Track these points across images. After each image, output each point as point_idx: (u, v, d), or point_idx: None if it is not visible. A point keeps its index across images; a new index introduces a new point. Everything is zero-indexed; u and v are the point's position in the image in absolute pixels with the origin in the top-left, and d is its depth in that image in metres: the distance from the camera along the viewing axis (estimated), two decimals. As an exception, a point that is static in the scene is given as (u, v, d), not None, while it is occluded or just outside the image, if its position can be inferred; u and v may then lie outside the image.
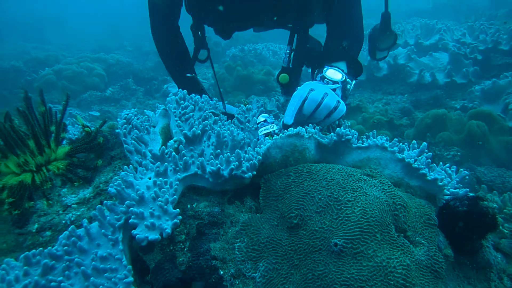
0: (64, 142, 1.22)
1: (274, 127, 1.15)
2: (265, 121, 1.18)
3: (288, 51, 1.71)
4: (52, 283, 0.81)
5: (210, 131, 1.10)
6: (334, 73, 1.32)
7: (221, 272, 0.89)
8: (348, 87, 1.36)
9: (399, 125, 3.82)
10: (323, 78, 1.31)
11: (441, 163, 1.09)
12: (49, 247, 0.85)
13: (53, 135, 1.15)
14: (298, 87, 1.20)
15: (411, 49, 4.80)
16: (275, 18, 1.77)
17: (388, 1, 1.78)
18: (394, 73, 4.69)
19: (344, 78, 1.32)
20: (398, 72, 4.64)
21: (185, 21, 1.94)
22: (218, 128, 1.04)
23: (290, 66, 1.67)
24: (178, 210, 0.90)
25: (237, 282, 0.88)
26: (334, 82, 1.29)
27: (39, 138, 1.08)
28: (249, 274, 0.88)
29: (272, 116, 1.22)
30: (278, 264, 0.87)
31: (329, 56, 1.44)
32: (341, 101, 1.19)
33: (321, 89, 1.18)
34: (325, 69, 1.34)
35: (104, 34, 12.08)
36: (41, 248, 0.86)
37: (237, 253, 0.91)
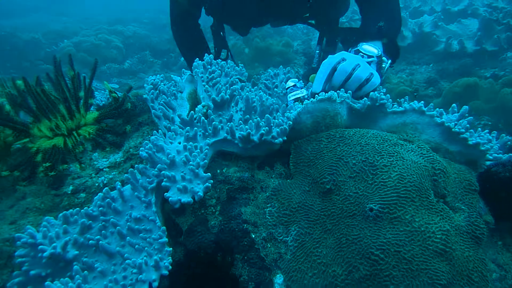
0: (92, 108, 1.22)
1: (304, 92, 1.11)
2: (294, 86, 1.15)
3: (317, 51, 1.66)
4: (91, 241, 0.84)
5: (238, 96, 1.07)
6: (369, 48, 1.24)
7: (253, 236, 0.89)
8: (383, 65, 1.28)
9: (424, 95, 3.69)
10: (357, 52, 1.24)
11: (479, 129, 1.04)
12: (85, 207, 0.87)
13: (81, 100, 1.15)
14: (330, 55, 1.15)
15: (438, 16, 4.54)
16: (292, 13, 1.76)
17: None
18: (419, 42, 4.47)
19: (380, 54, 1.24)
20: (424, 40, 4.42)
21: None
22: (247, 93, 1.02)
23: None
24: (209, 174, 0.89)
25: (269, 246, 0.88)
26: (369, 56, 1.22)
27: (69, 102, 1.08)
28: (281, 238, 0.88)
29: (301, 81, 1.18)
30: (311, 229, 0.86)
31: (365, 35, 1.36)
32: (375, 73, 1.12)
33: (353, 59, 1.11)
34: (360, 43, 1.27)
35: (119, 7, 11.96)
36: (77, 208, 0.88)
37: (268, 217, 0.91)
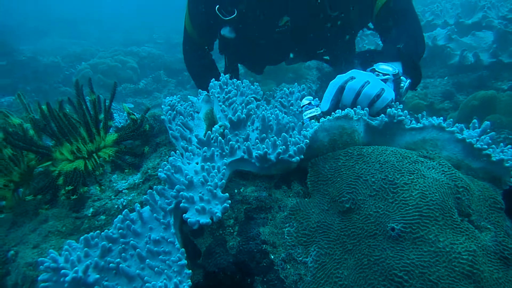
0: (111, 130, 1.25)
1: (319, 110, 1.11)
2: (309, 103, 1.15)
3: None
4: (111, 264, 0.84)
5: (254, 115, 1.08)
6: (385, 67, 1.23)
7: (272, 257, 0.88)
8: (402, 84, 1.25)
9: (440, 109, 3.63)
10: (373, 71, 1.23)
11: (501, 144, 1.01)
12: (106, 230, 0.88)
13: (101, 123, 1.18)
14: (338, 75, 1.14)
15: (452, 29, 4.52)
16: (308, 51, 1.84)
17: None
18: (433, 55, 4.43)
19: (396, 71, 1.22)
20: (437, 54, 4.38)
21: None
22: (263, 112, 1.02)
23: None
24: (227, 194, 0.89)
25: (289, 267, 0.86)
26: (385, 75, 1.20)
27: (90, 125, 1.11)
28: (300, 258, 0.87)
29: (317, 98, 1.18)
30: (331, 249, 0.85)
31: (384, 56, 1.35)
32: (387, 89, 1.09)
33: (362, 77, 1.09)
34: (377, 64, 1.25)
35: (134, 28, 12.32)
36: (98, 231, 0.88)
37: (287, 237, 0.90)
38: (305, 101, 1.16)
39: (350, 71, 1.14)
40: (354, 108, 1.01)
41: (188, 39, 1.92)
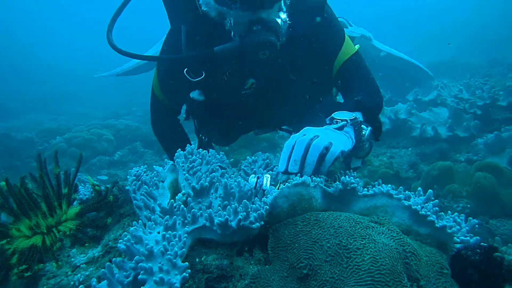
0: (75, 203, 1.24)
1: (268, 178, 1.13)
2: (258, 178, 1.13)
3: None
4: None
5: (217, 183, 1.12)
6: (342, 114, 1.28)
7: (232, 330, 0.85)
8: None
9: (405, 178, 3.81)
10: (331, 119, 1.29)
11: (449, 212, 1.08)
12: (56, 308, 0.84)
13: (65, 196, 1.18)
14: (292, 135, 1.20)
15: (411, 105, 4.95)
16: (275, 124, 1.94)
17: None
18: (396, 127, 4.79)
19: (353, 117, 1.27)
20: (400, 126, 4.74)
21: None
22: (225, 180, 1.07)
23: None
24: (187, 263, 0.89)
25: None
26: (342, 120, 1.26)
27: (51, 200, 1.11)
28: (261, 331, 0.84)
29: (259, 171, 1.24)
30: (291, 319, 0.83)
31: (344, 108, 1.42)
32: (335, 143, 1.13)
33: (312, 132, 1.15)
34: (335, 112, 1.31)
35: (115, 104, 12.63)
36: (48, 310, 0.84)
37: (248, 308, 0.88)
38: (253, 179, 1.14)
39: (303, 129, 1.20)
40: (311, 176, 1.08)
41: (156, 102, 1.90)
